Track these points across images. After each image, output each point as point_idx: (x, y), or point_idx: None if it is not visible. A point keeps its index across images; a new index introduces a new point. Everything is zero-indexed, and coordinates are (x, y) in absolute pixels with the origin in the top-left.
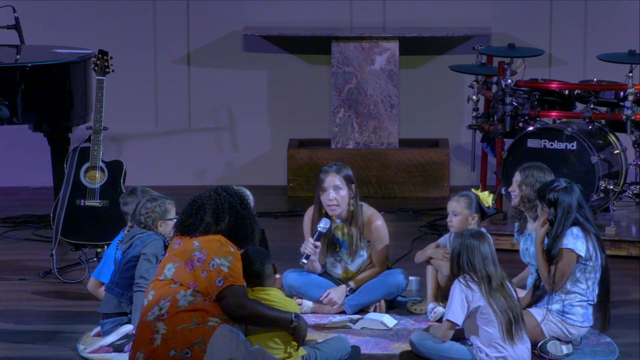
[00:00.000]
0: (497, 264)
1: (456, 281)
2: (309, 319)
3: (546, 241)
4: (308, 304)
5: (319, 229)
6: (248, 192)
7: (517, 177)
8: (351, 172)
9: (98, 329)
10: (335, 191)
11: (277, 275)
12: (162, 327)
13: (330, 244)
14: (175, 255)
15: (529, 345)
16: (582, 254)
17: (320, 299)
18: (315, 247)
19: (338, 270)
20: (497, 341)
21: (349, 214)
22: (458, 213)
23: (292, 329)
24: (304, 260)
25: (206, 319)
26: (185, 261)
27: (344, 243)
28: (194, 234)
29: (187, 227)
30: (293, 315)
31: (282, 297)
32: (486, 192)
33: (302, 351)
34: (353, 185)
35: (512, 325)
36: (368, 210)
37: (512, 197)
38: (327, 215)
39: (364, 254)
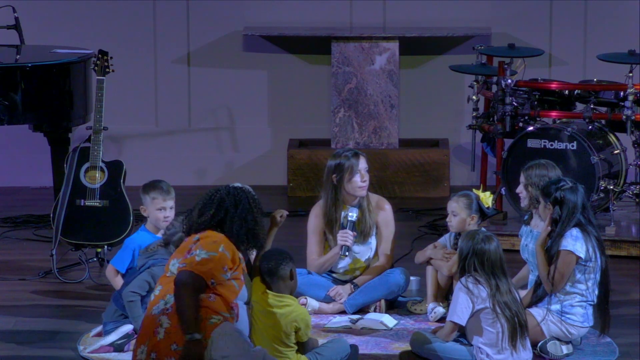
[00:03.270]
0: (506, 269)
1: (460, 283)
2: None
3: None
4: (313, 303)
5: (350, 219)
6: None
7: (521, 178)
8: None
9: (98, 329)
10: (366, 173)
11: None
12: (166, 321)
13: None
14: (179, 252)
15: (530, 349)
16: (582, 255)
17: (328, 293)
18: (354, 236)
19: (345, 262)
20: (499, 343)
21: (359, 199)
22: (457, 213)
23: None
24: (347, 253)
25: (209, 316)
26: (184, 255)
27: (354, 230)
28: (189, 232)
29: (188, 226)
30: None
31: (294, 304)
32: (487, 193)
33: (304, 358)
34: None
35: (516, 332)
36: (374, 196)
37: (521, 198)
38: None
39: (372, 242)
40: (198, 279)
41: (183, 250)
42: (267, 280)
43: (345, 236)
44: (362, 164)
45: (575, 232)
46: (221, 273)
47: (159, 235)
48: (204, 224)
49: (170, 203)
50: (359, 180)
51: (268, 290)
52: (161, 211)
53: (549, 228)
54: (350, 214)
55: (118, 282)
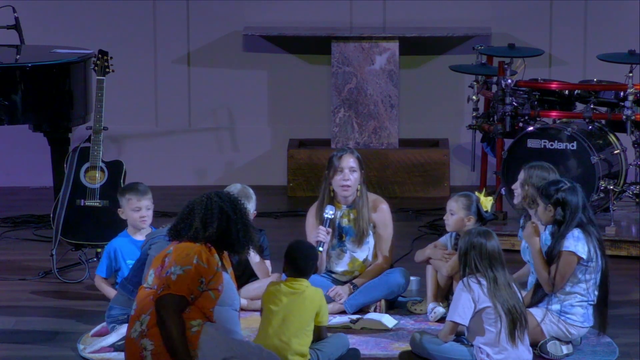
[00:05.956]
0: (505, 263)
1: (461, 282)
2: None
3: (550, 241)
4: None
5: (326, 216)
6: (251, 191)
7: (521, 175)
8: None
9: (97, 328)
10: (351, 172)
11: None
12: (149, 344)
13: (336, 233)
14: (156, 260)
15: (530, 348)
16: (584, 255)
17: (327, 293)
18: (327, 232)
19: (344, 263)
20: (500, 342)
21: (355, 199)
22: (455, 212)
23: None
24: (320, 249)
25: (188, 325)
26: (158, 266)
27: (349, 230)
28: (182, 239)
29: (177, 231)
30: None
31: (308, 286)
32: (489, 197)
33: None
34: (363, 170)
35: (515, 326)
36: (372, 196)
37: (515, 195)
38: (331, 203)
39: (370, 242)
40: (179, 299)
41: (158, 260)
42: (294, 274)
43: (318, 232)
44: (346, 162)
45: (577, 232)
46: (197, 286)
47: (138, 237)
48: (212, 236)
49: (146, 203)
50: (341, 178)
51: (286, 278)
52: (137, 211)
53: (544, 228)
54: (326, 210)
55: (106, 289)
